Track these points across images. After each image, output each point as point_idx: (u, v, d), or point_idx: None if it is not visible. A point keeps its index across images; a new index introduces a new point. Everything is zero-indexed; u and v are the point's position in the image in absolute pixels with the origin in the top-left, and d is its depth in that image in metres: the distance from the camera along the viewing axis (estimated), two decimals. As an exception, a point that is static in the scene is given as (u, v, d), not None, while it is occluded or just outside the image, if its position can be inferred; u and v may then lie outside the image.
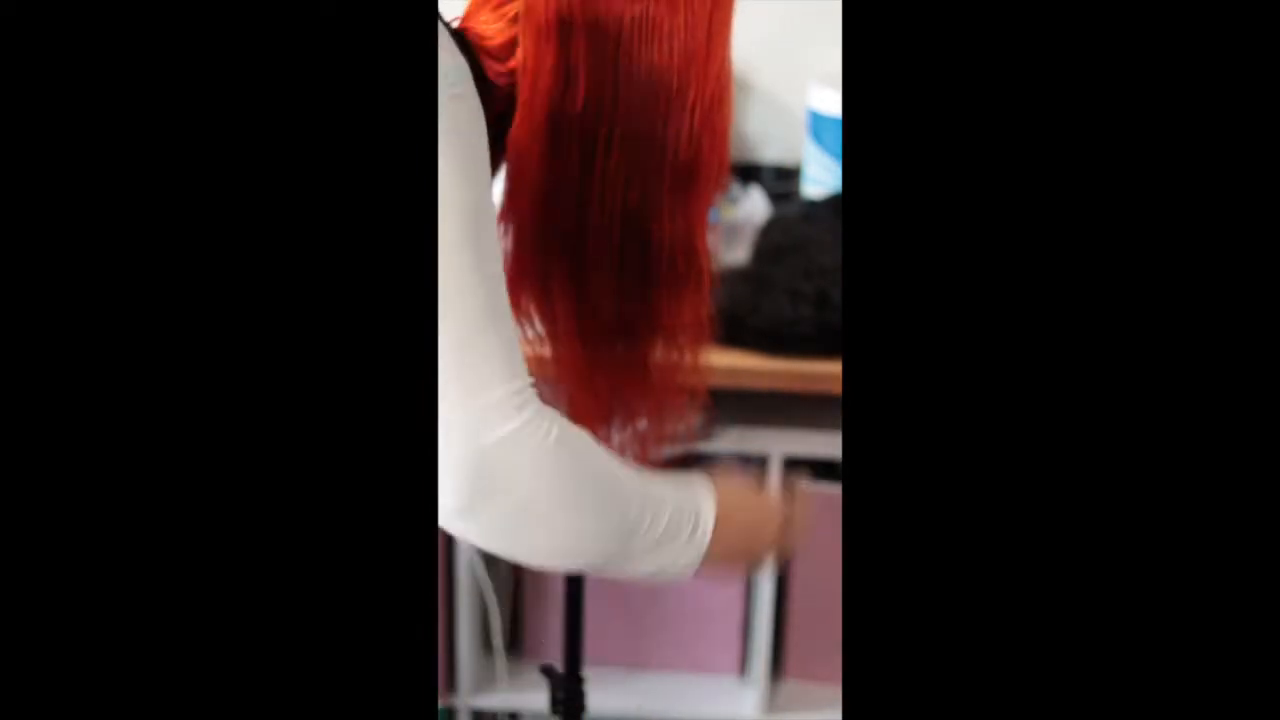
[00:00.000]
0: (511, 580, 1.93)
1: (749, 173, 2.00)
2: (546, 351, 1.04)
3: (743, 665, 1.92)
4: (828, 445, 1.67)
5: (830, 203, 1.78)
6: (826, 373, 1.55)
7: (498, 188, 0.97)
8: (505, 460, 0.76)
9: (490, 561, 1.82)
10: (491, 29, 0.93)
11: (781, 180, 2.00)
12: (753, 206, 1.85)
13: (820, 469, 1.80)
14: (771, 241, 1.69)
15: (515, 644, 1.94)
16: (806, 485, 1.18)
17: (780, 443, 1.69)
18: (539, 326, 1.03)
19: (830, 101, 1.87)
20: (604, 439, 1.07)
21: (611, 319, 1.00)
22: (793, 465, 1.77)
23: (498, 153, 1.00)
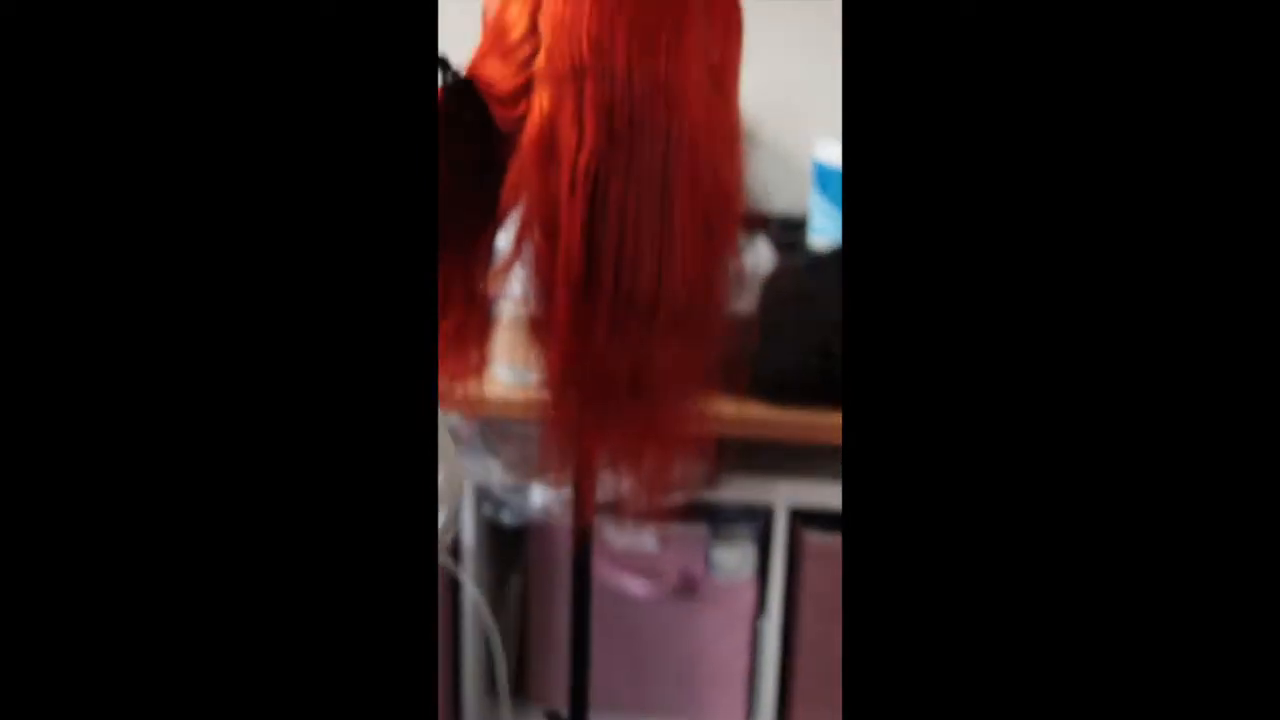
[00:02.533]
0: (517, 624, 1.93)
1: (755, 223, 2.01)
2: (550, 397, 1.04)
3: (749, 716, 1.91)
4: (833, 496, 1.67)
5: (835, 254, 1.79)
6: (832, 423, 1.55)
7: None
8: None
9: (496, 605, 1.82)
10: (499, 74, 0.95)
11: (787, 231, 2.01)
12: (758, 257, 1.86)
13: (826, 520, 1.80)
14: (777, 291, 1.70)
15: (521, 689, 1.94)
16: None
17: (785, 493, 1.69)
18: (549, 371, 1.04)
19: (836, 154, 1.89)
20: (603, 484, 1.07)
21: (624, 367, 1.00)
22: (798, 515, 1.78)
23: (500, 196, 1.01)
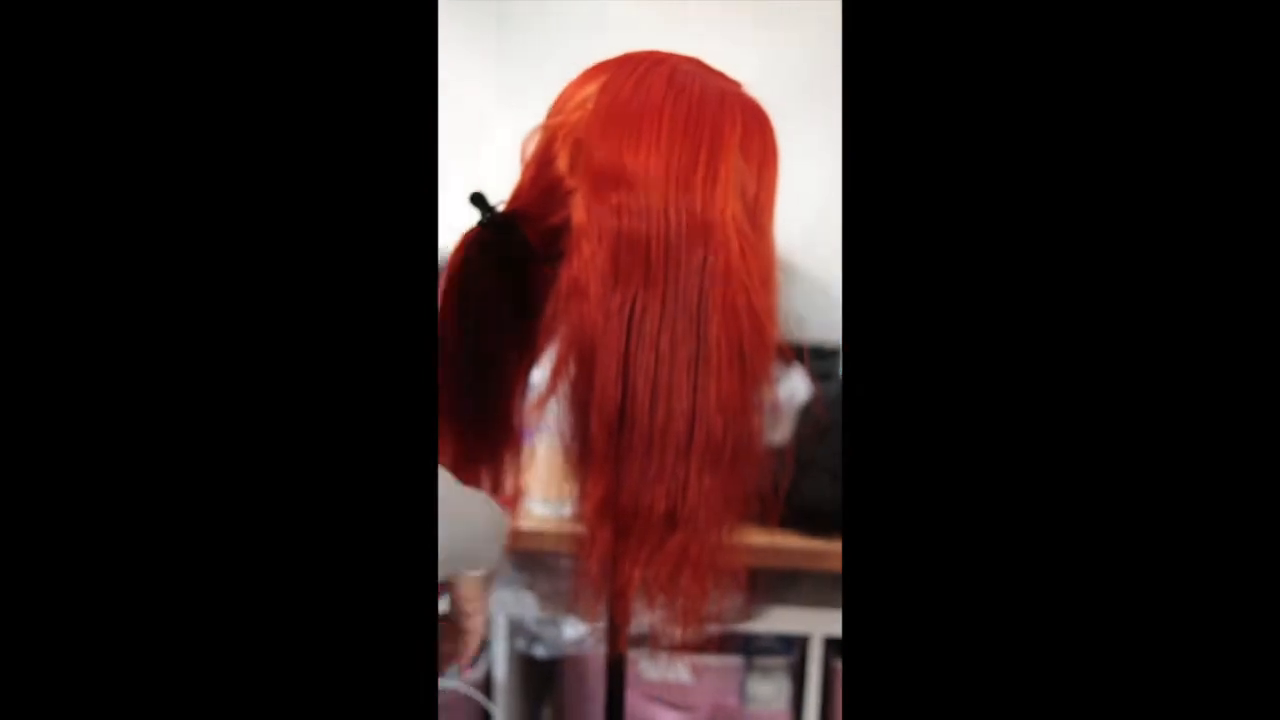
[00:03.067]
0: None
1: (789, 353, 2.02)
2: (585, 529, 1.04)
3: None
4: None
5: (870, 382, 1.79)
6: (867, 552, 1.54)
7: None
8: None
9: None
10: (538, 210, 0.96)
11: (822, 360, 2.02)
12: (793, 386, 1.87)
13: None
14: (811, 421, 1.70)
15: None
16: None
17: (821, 623, 1.68)
18: (584, 503, 1.03)
19: (870, 283, 1.90)
20: (637, 616, 1.07)
21: (659, 498, 1.00)
22: (834, 645, 1.76)
23: (537, 329, 1.02)
